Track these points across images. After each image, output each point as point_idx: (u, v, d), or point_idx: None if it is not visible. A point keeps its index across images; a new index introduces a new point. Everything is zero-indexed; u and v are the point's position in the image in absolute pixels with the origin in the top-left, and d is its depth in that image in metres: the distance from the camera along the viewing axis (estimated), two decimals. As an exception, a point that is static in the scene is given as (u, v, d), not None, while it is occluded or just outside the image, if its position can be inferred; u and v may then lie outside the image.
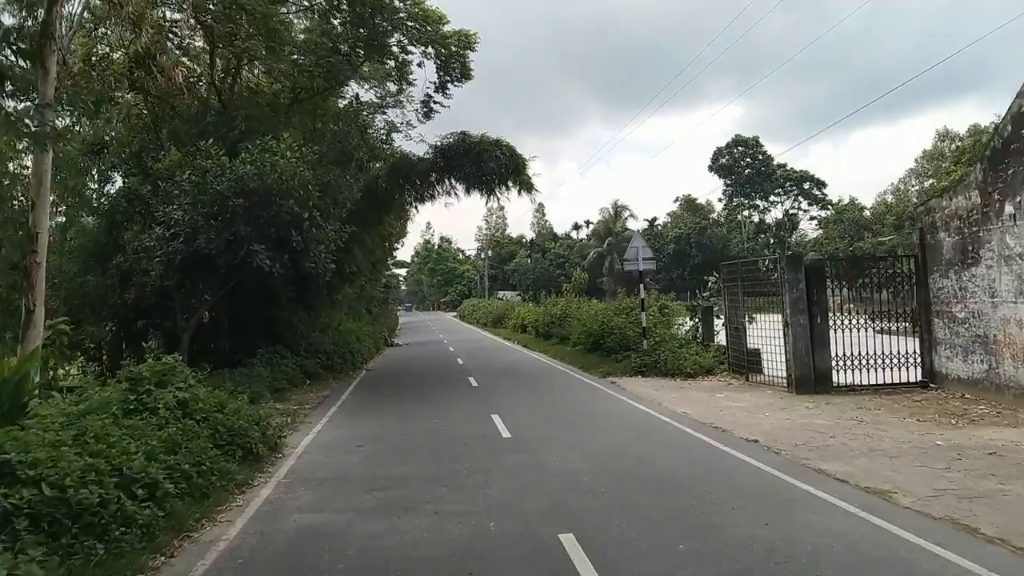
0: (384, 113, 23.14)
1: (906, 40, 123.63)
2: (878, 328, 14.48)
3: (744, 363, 15.75)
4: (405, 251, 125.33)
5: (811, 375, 13.76)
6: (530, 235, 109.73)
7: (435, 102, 20.01)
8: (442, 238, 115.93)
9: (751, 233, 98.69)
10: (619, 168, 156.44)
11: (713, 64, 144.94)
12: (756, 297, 16.05)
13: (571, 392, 15.15)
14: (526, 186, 20.13)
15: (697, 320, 18.96)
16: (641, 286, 18.86)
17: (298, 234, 14.92)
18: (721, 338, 18.16)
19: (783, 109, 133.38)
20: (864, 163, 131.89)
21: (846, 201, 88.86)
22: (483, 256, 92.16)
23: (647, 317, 18.60)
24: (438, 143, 20.04)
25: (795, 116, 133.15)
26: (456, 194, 20.93)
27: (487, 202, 20.63)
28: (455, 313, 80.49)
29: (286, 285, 18.27)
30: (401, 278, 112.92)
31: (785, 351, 14.04)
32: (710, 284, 19.45)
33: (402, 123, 22.92)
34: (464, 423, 11.36)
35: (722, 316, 18.43)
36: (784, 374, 14.22)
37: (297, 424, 12.24)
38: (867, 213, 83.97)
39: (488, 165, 19.30)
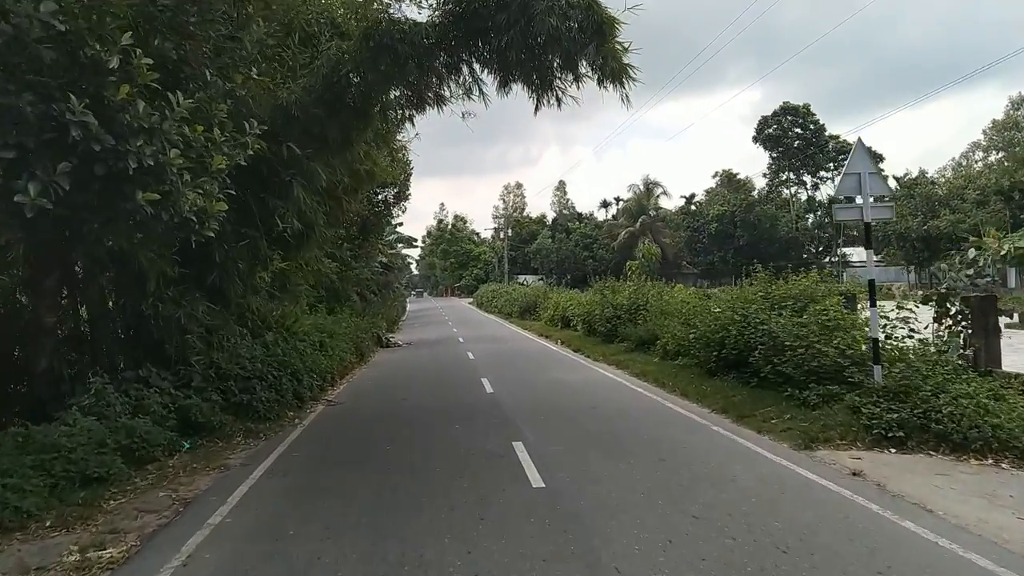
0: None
1: (930, 24, 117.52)
2: None
3: None
4: (416, 229, 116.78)
5: None
6: (551, 215, 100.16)
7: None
8: (456, 217, 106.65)
9: (800, 211, 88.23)
10: (635, 152, 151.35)
11: (731, 47, 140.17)
12: None
13: (825, 547, 5.67)
14: (613, 69, 10.42)
15: (953, 323, 9.56)
16: (870, 255, 9.36)
17: (84, 105, 5.85)
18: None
19: (803, 93, 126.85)
20: (886, 146, 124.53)
21: (914, 175, 78.12)
22: (502, 235, 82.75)
23: (857, 319, 9.26)
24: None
25: (815, 101, 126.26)
26: (481, 90, 11.59)
27: (538, 105, 11.13)
28: (471, 300, 71.33)
29: (157, 252, 9.17)
30: (413, 261, 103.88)
31: None
32: (972, 255, 10.05)
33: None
34: None
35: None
36: None
37: None
38: (939, 190, 73.32)
39: (543, 25, 9.63)
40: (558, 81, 11.10)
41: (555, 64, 10.86)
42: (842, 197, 9.71)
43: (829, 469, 7.21)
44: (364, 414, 11.78)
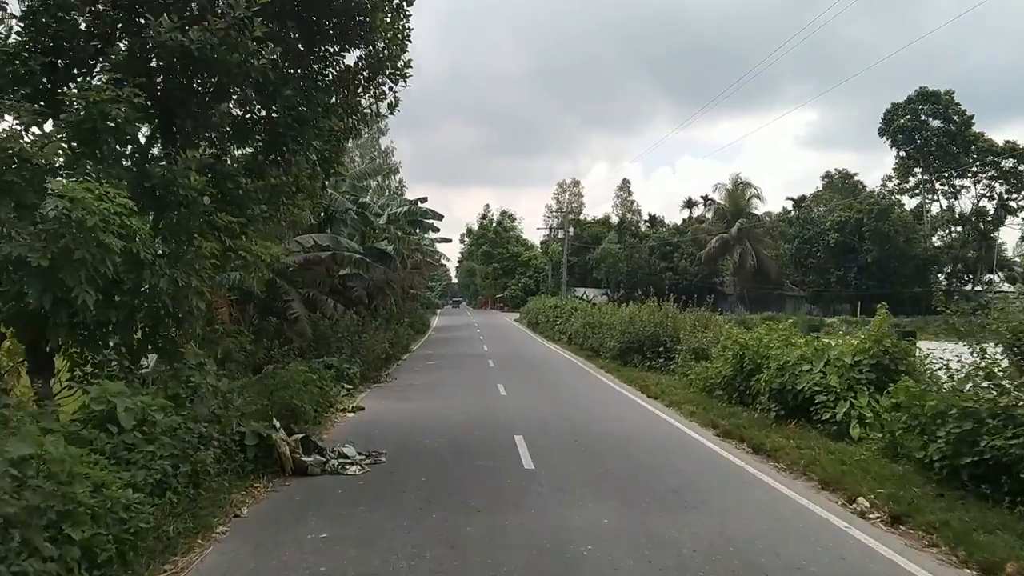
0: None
1: (994, 48, 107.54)
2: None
3: None
4: (453, 229, 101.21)
5: None
6: (614, 217, 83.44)
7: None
8: (503, 213, 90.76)
9: (940, 224, 69.54)
10: (685, 170, 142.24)
11: (788, 67, 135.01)
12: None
13: None
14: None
15: None
16: None
17: None
18: None
19: (859, 116, 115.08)
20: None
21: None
22: (559, 235, 66.50)
23: None
24: None
25: (873, 124, 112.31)
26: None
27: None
28: (517, 315, 55.10)
29: None
30: (451, 264, 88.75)
31: None
32: None
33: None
34: None
35: None
36: None
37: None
38: None
39: None
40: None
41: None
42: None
43: None
44: None
